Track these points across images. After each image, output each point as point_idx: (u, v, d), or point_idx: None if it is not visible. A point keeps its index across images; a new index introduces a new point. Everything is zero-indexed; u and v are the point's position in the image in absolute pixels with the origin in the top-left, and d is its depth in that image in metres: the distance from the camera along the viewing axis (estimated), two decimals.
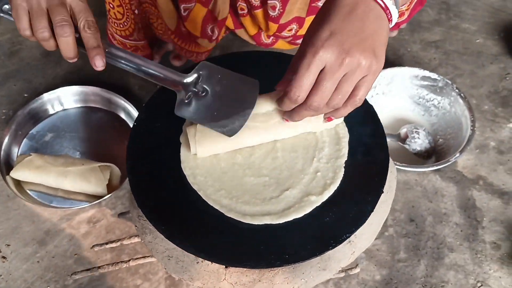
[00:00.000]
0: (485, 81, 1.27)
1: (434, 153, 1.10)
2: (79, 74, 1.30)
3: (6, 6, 0.70)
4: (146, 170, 0.66)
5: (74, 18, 0.66)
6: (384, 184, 0.63)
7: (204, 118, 0.69)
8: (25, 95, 1.26)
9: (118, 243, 0.90)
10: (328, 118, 0.67)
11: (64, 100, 1.19)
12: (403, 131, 1.10)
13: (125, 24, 1.11)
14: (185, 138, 0.71)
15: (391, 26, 0.62)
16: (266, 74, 0.74)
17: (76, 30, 0.65)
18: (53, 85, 1.26)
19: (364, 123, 0.72)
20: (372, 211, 0.61)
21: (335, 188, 0.66)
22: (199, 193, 0.65)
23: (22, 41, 1.39)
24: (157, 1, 1.06)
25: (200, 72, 0.71)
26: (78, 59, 0.68)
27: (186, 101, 0.70)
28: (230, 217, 0.63)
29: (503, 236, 1.00)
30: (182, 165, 0.67)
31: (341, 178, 0.67)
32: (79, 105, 1.21)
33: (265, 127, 0.69)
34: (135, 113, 1.14)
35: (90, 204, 1.01)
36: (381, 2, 0.59)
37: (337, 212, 0.62)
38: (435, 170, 1.08)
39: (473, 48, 1.35)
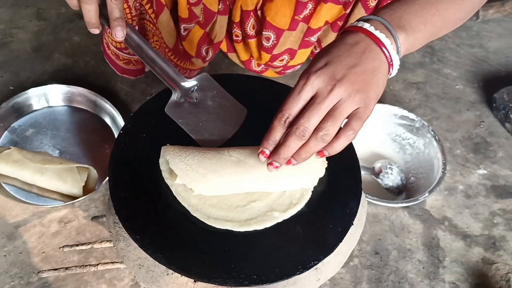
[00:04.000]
0: (460, 126, 1.32)
1: (404, 190, 1.14)
2: (67, 73, 1.31)
3: None
4: (127, 179, 0.68)
5: None
6: (355, 216, 0.66)
7: (188, 124, 0.74)
8: (11, 87, 1.26)
9: (89, 246, 0.91)
10: (320, 153, 0.62)
11: (50, 97, 1.20)
12: (377, 165, 1.14)
13: None
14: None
15: (391, 73, 0.65)
16: (255, 100, 0.77)
17: None
18: (40, 81, 1.27)
19: (341, 156, 0.74)
20: (341, 241, 0.64)
21: (300, 208, 0.68)
22: (171, 189, 0.68)
23: (14, 34, 1.40)
24: (159, 19, 1.08)
25: (199, 82, 0.76)
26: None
27: (178, 102, 0.75)
28: (204, 230, 0.64)
29: (462, 278, 1.04)
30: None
31: (306, 201, 0.69)
32: (64, 104, 1.21)
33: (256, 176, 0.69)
34: (119, 118, 1.15)
35: (64, 204, 1.02)
36: (383, 48, 0.62)
37: (306, 238, 0.65)
38: (404, 207, 1.12)
39: (452, 93, 1.41)
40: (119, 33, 0.69)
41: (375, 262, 1.05)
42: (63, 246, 0.95)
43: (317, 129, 0.59)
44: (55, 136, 1.16)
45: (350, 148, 0.76)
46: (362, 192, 0.72)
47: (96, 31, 0.70)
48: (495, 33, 1.61)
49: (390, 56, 0.62)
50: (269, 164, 0.62)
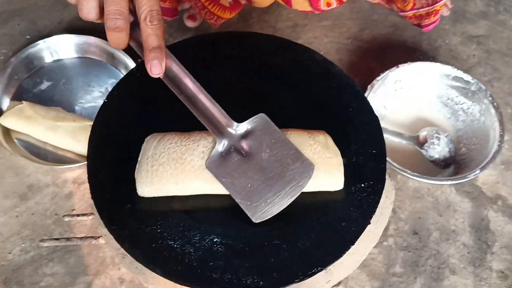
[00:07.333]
0: None
1: (453, 163, 0.99)
2: (85, 22, 1.21)
3: None
4: (108, 158, 0.59)
5: (135, 2, 0.53)
6: (373, 213, 0.54)
7: (233, 184, 0.56)
8: (28, 36, 1.18)
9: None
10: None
11: (65, 48, 1.12)
12: (422, 134, 0.99)
13: None
14: None
15: None
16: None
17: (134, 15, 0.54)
18: (58, 29, 1.19)
19: (367, 142, 0.62)
20: (353, 244, 0.53)
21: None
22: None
23: None
24: None
25: (254, 126, 0.58)
26: None
27: (223, 154, 0.57)
28: (192, 226, 0.55)
29: None
30: None
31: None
32: (78, 56, 1.13)
33: None
34: None
35: (77, 165, 0.96)
36: None
37: (313, 238, 0.54)
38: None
39: None
40: (155, 69, 0.52)
41: (412, 243, 0.94)
42: (71, 215, 0.89)
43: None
44: (69, 91, 1.08)
45: (379, 138, 0.63)
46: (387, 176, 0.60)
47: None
48: None
49: None
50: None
